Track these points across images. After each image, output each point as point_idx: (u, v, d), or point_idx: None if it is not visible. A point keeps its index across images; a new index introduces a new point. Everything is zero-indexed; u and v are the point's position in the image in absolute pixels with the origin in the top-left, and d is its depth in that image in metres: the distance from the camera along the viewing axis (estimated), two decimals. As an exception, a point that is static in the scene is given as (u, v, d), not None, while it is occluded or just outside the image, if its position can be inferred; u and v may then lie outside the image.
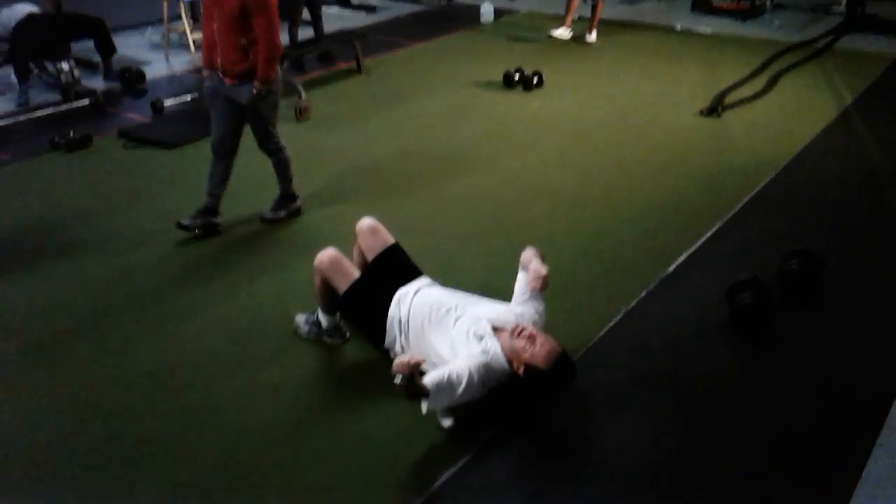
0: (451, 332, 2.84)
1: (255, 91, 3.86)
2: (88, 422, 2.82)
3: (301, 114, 5.85)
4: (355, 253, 3.27)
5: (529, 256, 3.05)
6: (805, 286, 3.54)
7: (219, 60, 3.90)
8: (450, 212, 4.43)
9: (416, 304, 2.95)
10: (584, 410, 2.88)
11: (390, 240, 3.23)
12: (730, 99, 6.15)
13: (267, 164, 4.29)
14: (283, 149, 4.22)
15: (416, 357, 2.51)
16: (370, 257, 3.20)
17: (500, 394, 2.76)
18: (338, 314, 3.19)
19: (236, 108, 4.04)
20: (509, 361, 2.74)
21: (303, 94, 6.01)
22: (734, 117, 5.83)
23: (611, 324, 3.33)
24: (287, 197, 4.34)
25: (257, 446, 2.70)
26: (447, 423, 2.71)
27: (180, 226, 4.05)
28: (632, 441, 2.72)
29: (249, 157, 4.31)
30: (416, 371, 2.46)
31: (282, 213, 4.32)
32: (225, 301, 3.55)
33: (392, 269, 3.16)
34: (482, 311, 2.92)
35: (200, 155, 5.13)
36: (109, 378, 3.05)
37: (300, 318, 3.29)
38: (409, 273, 3.17)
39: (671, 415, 2.86)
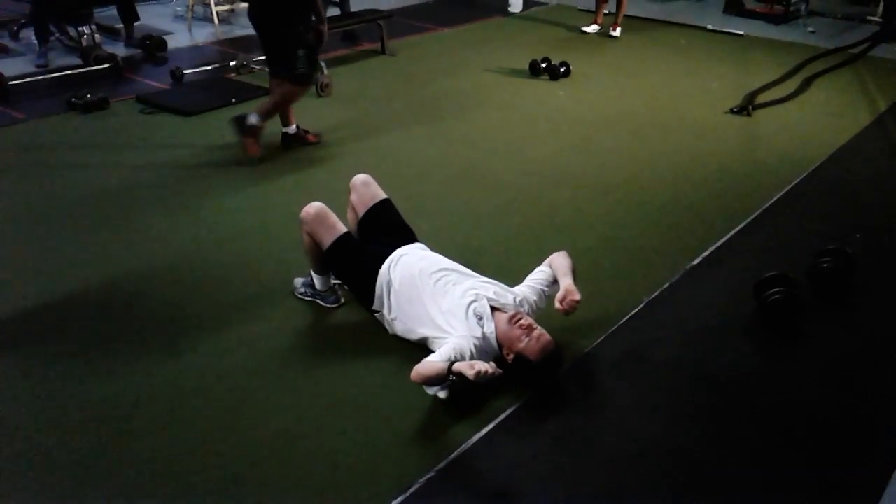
0: (446, 298, 2.77)
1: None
2: (87, 379, 2.73)
3: (322, 90, 5.75)
4: (349, 214, 3.22)
5: (564, 268, 2.93)
6: (836, 285, 3.40)
7: None
8: (469, 194, 4.31)
9: (408, 265, 2.89)
10: (600, 399, 2.76)
11: (382, 195, 3.19)
12: (761, 99, 6.00)
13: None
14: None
15: (499, 369, 2.52)
16: (361, 211, 3.14)
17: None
18: (331, 275, 3.13)
19: None
20: (499, 345, 2.71)
21: (324, 71, 5.91)
22: (765, 117, 5.68)
23: (632, 313, 3.20)
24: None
25: (258, 413, 2.59)
26: (443, 394, 2.61)
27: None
28: (647, 432, 2.59)
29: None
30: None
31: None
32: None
33: (383, 224, 3.12)
34: (484, 287, 2.84)
35: (218, 124, 5.08)
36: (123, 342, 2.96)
37: (298, 281, 3.24)
38: (401, 232, 3.11)
39: (689, 407, 2.72)
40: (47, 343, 2.94)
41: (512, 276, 3.03)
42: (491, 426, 2.54)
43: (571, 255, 3.03)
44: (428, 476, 2.34)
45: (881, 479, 2.41)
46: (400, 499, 2.25)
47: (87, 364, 2.82)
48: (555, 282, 2.95)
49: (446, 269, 2.90)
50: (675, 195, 4.36)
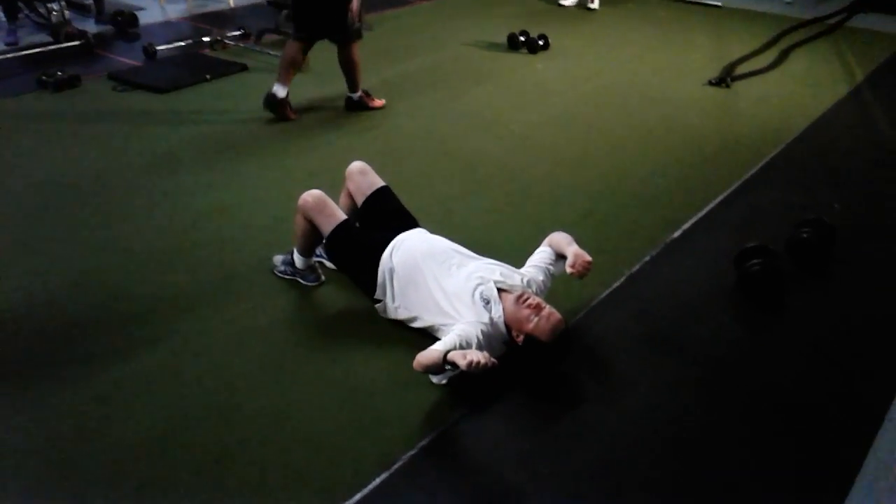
0: (450, 282, 2.71)
1: None
2: (65, 361, 2.69)
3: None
4: (342, 200, 3.17)
5: (566, 240, 2.90)
6: (816, 255, 3.41)
7: None
8: (449, 169, 4.28)
9: (410, 250, 2.82)
10: (582, 373, 2.75)
11: (380, 182, 3.13)
12: (739, 71, 6.00)
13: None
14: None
15: (493, 360, 2.38)
16: (360, 200, 3.09)
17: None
18: (313, 257, 3.11)
19: None
20: (508, 329, 2.63)
21: (301, 45, 5.81)
22: (743, 88, 5.68)
23: (613, 286, 3.21)
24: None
25: (243, 394, 2.57)
26: (439, 379, 2.58)
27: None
28: (629, 405, 2.60)
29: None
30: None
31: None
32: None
33: (383, 212, 3.06)
34: (489, 269, 2.78)
35: (193, 100, 5.00)
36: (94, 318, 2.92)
37: (277, 258, 3.21)
38: (403, 218, 3.05)
39: (672, 380, 2.73)
40: (21, 324, 2.89)
41: (494, 252, 3.00)
42: (473, 403, 2.54)
43: (551, 230, 3.01)
44: (411, 453, 2.33)
45: (862, 448, 2.44)
46: (384, 476, 2.25)
47: (66, 344, 2.78)
48: (558, 259, 2.92)
49: (449, 252, 2.83)
50: (654, 168, 4.35)
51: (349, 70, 4.90)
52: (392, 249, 2.84)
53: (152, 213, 3.70)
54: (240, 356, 2.74)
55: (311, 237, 2.98)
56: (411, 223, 3.05)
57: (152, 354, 2.74)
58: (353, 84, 4.96)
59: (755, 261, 3.16)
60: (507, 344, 2.65)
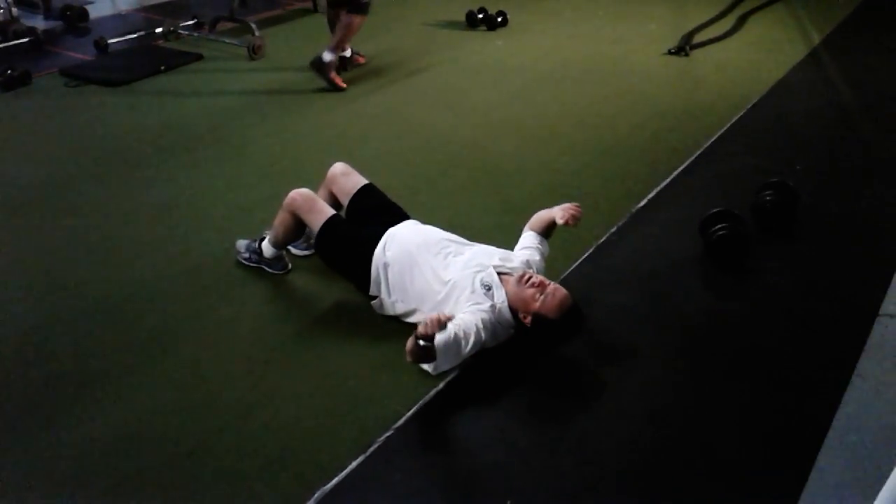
0: (448, 271, 2.66)
1: None
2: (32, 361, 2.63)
3: (255, 52, 5.59)
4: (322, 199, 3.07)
5: (542, 211, 2.89)
6: (780, 218, 3.44)
7: None
8: (412, 149, 4.25)
9: (404, 243, 2.76)
10: (553, 346, 2.76)
11: (363, 180, 3.06)
12: (697, 39, 6.03)
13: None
14: None
15: (445, 314, 2.30)
16: (345, 201, 3.02)
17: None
18: (283, 249, 3.08)
19: None
20: (514, 312, 2.57)
21: (256, 32, 5.73)
22: (702, 56, 5.70)
23: (581, 258, 3.21)
24: None
25: (213, 385, 2.53)
26: (434, 369, 2.53)
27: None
28: (604, 375, 2.61)
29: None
30: (438, 329, 2.27)
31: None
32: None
33: (370, 208, 2.99)
34: (487, 255, 2.73)
35: (148, 91, 4.92)
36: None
37: (241, 244, 3.15)
38: (391, 212, 2.98)
39: (643, 349, 2.74)
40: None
41: (461, 232, 2.98)
42: (447, 381, 2.53)
43: (519, 205, 3.00)
44: (387, 434, 2.32)
45: (832, 406, 2.48)
46: (360, 458, 2.23)
47: (30, 344, 2.72)
48: (543, 238, 2.89)
49: (444, 242, 2.77)
50: (617, 139, 4.36)
51: (341, 31, 4.88)
52: (385, 243, 2.78)
53: (109, 207, 3.63)
54: (206, 349, 2.70)
55: (293, 234, 2.97)
56: (401, 216, 2.98)
57: (116, 345, 2.70)
58: (336, 44, 4.94)
59: (720, 226, 3.18)
60: (514, 328, 2.59)
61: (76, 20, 6.43)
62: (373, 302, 2.81)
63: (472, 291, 2.58)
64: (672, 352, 2.73)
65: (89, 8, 6.66)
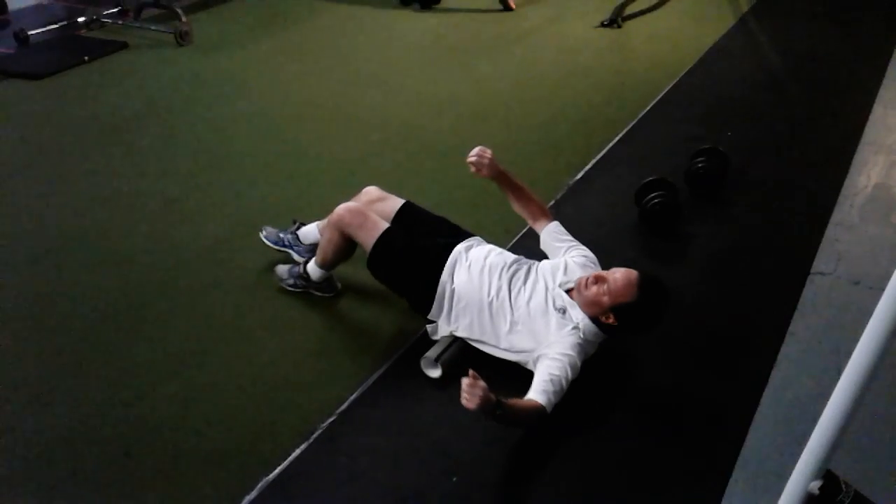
0: (518, 313, 2.42)
1: None
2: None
3: (182, 38, 5.44)
4: None
5: (519, 197, 2.76)
6: (712, 183, 3.50)
7: None
8: (348, 132, 4.19)
9: (471, 270, 2.51)
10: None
11: (401, 200, 2.81)
12: (629, 11, 6.06)
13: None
14: None
15: (481, 383, 2.01)
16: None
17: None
18: (332, 270, 2.81)
19: None
20: (594, 319, 2.38)
21: (183, 17, 5.56)
22: (634, 28, 5.75)
23: (522, 232, 3.22)
24: None
25: (147, 382, 2.46)
26: (436, 374, 2.47)
27: None
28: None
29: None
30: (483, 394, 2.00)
31: None
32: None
33: (419, 225, 2.74)
34: (550, 273, 2.51)
35: (72, 83, 4.75)
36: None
37: (282, 270, 2.89)
38: (445, 228, 2.76)
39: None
40: None
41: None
42: (388, 364, 2.52)
43: (457, 183, 2.96)
44: (330, 420, 2.30)
45: (768, 362, 2.53)
46: (303, 446, 2.21)
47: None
48: (542, 214, 2.77)
49: (509, 265, 2.53)
50: (553, 113, 4.37)
51: None
52: (453, 267, 2.54)
53: (38, 202, 3.50)
54: (141, 344, 2.63)
55: (343, 253, 2.69)
56: (456, 232, 2.74)
57: (54, 346, 2.61)
58: None
59: (653, 194, 3.22)
60: (604, 333, 2.40)
61: (-7, 12, 6.17)
62: (428, 326, 2.59)
63: (549, 322, 2.38)
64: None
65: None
